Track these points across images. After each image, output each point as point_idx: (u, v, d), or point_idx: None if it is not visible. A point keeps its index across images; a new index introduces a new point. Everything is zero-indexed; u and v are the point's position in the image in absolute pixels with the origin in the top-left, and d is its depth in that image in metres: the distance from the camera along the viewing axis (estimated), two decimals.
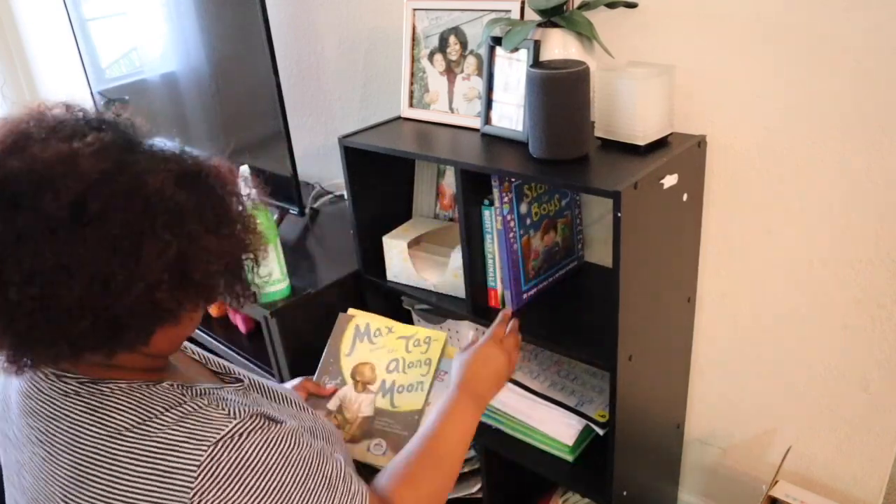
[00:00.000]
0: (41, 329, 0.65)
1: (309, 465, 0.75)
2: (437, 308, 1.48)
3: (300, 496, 0.73)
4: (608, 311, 1.14)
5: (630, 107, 1.16)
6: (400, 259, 1.48)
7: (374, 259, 1.55)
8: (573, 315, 1.34)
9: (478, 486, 1.67)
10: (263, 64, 1.63)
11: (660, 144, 1.20)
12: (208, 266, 0.71)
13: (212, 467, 0.69)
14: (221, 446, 0.69)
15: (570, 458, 1.39)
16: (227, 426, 0.71)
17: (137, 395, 0.72)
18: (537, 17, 1.24)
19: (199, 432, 0.70)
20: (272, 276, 1.47)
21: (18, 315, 0.64)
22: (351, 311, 1.34)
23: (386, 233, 1.52)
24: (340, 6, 1.82)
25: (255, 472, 0.70)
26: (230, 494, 0.69)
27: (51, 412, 0.74)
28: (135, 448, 0.69)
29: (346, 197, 1.54)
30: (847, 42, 1.10)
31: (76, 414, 0.72)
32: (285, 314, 1.48)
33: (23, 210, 0.63)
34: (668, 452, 1.54)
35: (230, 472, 0.69)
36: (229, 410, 0.73)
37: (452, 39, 1.40)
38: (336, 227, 1.85)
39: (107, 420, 0.71)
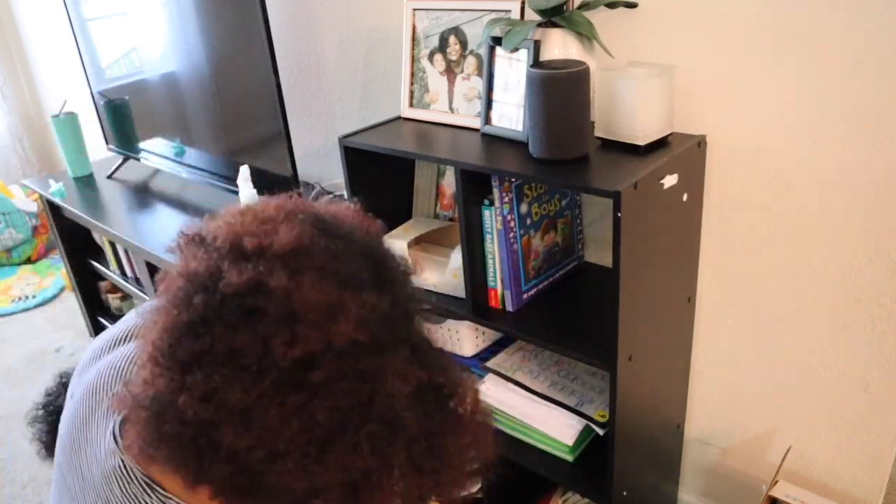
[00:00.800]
0: (185, 446, 0.54)
1: None
2: (437, 308, 1.47)
3: None
4: (608, 311, 1.14)
5: (630, 107, 1.16)
6: None
7: None
8: (573, 315, 1.34)
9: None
10: (263, 64, 1.63)
11: (660, 144, 1.21)
12: (386, 498, 0.58)
13: None
14: None
15: (570, 458, 1.39)
16: None
17: None
18: (537, 17, 1.24)
19: None
20: None
21: (174, 418, 0.54)
22: None
23: (386, 233, 1.52)
24: (340, 6, 1.82)
25: None
26: None
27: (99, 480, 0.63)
28: None
29: (346, 197, 1.54)
30: (847, 42, 1.10)
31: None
32: None
33: (253, 338, 0.52)
34: (668, 452, 1.54)
35: None
36: None
37: (452, 39, 1.40)
38: None
39: None
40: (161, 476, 0.61)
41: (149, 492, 0.60)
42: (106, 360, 0.74)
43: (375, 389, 0.54)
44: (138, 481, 0.61)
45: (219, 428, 0.52)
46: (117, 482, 0.62)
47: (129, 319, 0.80)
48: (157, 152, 2.35)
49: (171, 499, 0.60)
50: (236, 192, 1.56)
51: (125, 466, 0.61)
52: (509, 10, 1.30)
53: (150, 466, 0.60)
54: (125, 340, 0.76)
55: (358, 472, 0.55)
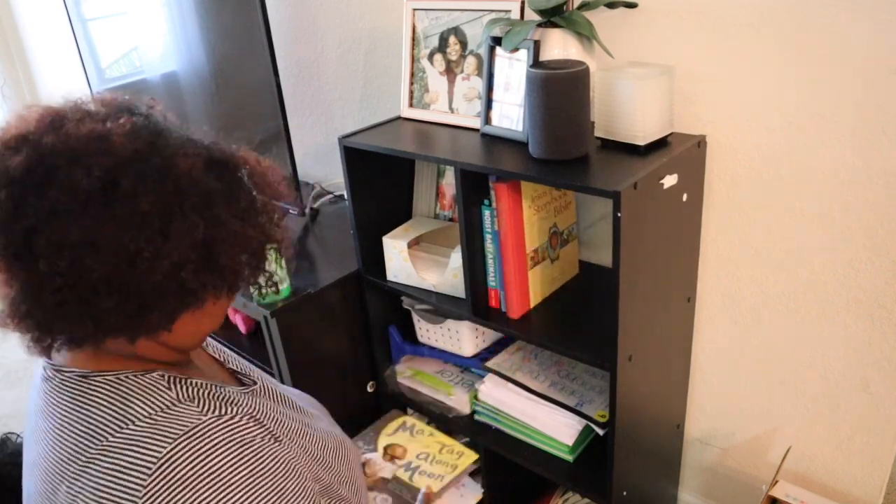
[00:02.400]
0: (68, 305, 0.65)
1: (275, 488, 0.69)
2: (437, 308, 1.48)
3: None
4: (608, 311, 1.14)
5: (630, 107, 1.16)
6: (400, 259, 1.48)
7: (374, 259, 1.55)
8: (573, 315, 1.34)
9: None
10: (263, 64, 1.63)
11: (660, 144, 1.21)
12: (233, 250, 0.71)
13: (167, 466, 0.64)
14: (182, 443, 0.65)
15: (570, 458, 1.39)
16: (194, 421, 0.67)
17: (121, 388, 0.70)
18: (537, 17, 1.24)
19: (164, 427, 0.66)
20: (272, 276, 1.46)
21: (47, 288, 0.64)
22: (400, 413, 1.40)
23: (386, 233, 1.52)
24: (340, 6, 1.82)
25: (210, 476, 0.65)
26: (179, 498, 0.64)
27: (46, 408, 0.73)
28: (106, 447, 0.67)
29: (346, 197, 1.54)
30: (847, 42, 1.10)
31: (64, 409, 0.71)
32: (285, 314, 1.48)
33: (56, 184, 0.63)
34: (668, 452, 1.54)
35: (185, 472, 0.64)
36: (207, 406, 0.70)
37: (452, 39, 1.40)
38: (336, 227, 1.85)
39: (87, 416, 0.69)
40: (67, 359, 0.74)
41: (57, 375, 0.74)
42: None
43: (175, 175, 0.67)
44: (50, 373, 0.75)
45: (82, 273, 0.63)
46: (43, 389, 0.76)
47: None
48: None
49: (71, 371, 0.73)
50: None
51: (45, 370, 0.76)
52: (509, 10, 1.30)
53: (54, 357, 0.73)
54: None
55: (201, 237, 0.68)
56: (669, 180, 1.16)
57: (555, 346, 1.27)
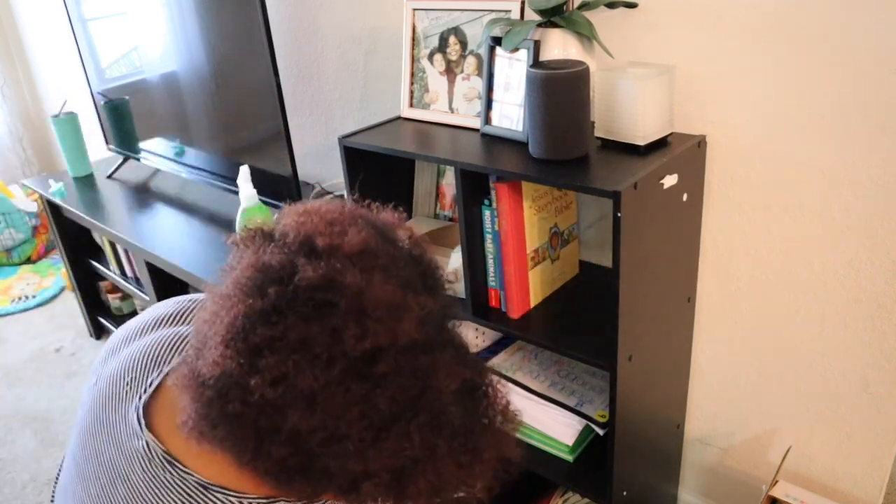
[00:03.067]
0: (244, 422, 0.57)
1: None
2: None
3: None
4: (608, 311, 1.14)
5: (630, 107, 1.16)
6: None
7: None
8: (573, 315, 1.34)
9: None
10: (263, 64, 1.63)
11: (660, 144, 1.21)
12: (428, 491, 0.62)
13: None
14: None
15: (570, 458, 1.39)
16: None
17: None
18: (537, 17, 1.24)
19: None
20: None
21: (235, 403, 0.57)
22: None
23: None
24: (340, 6, 1.82)
25: None
26: None
27: (138, 483, 0.65)
28: None
29: (345, 197, 1.54)
30: (847, 41, 1.10)
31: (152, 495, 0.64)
32: None
33: (324, 326, 0.56)
34: (668, 452, 1.54)
35: None
36: None
37: (452, 39, 1.40)
38: None
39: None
40: (194, 455, 0.64)
41: (169, 468, 0.63)
42: (134, 347, 0.75)
43: (428, 385, 0.58)
44: (159, 458, 0.64)
45: (284, 411, 0.56)
46: (139, 462, 0.65)
47: (161, 309, 0.80)
48: (157, 152, 2.35)
49: (190, 475, 0.63)
50: (236, 192, 1.57)
51: (148, 447, 0.64)
52: (509, 10, 1.30)
53: (198, 445, 0.61)
54: (156, 327, 0.78)
55: (406, 460, 0.59)
56: (669, 180, 1.16)
57: (555, 346, 1.27)
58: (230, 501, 0.63)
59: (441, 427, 0.60)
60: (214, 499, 0.63)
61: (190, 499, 0.63)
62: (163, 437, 0.65)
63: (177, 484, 0.63)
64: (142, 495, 0.64)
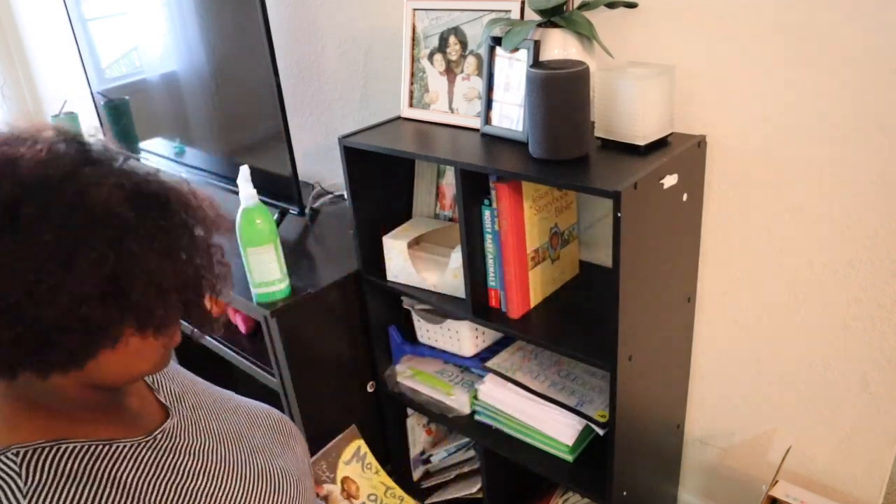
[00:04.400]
0: None
1: None
2: (437, 308, 1.48)
3: None
4: (608, 311, 1.14)
5: (630, 107, 1.16)
6: (400, 259, 1.48)
7: (374, 259, 1.55)
8: (573, 315, 1.34)
9: (478, 486, 1.67)
10: (263, 64, 1.63)
11: (660, 144, 1.21)
12: (148, 287, 0.66)
13: None
14: None
15: (570, 458, 1.39)
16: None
17: None
18: (537, 17, 1.24)
19: None
20: (272, 276, 1.47)
21: None
22: (356, 435, 1.36)
23: (386, 233, 1.52)
24: (340, 6, 1.82)
25: None
26: None
27: None
28: None
29: (346, 197, 1.54)
30: (847, 42, 1.10)
31: None
32: (285, 314, 1.48)
33: None
34: (668, 452, 1.54)
35: None
36: (33, 482, 0.66)
37: (452, 39, 1.40)
38: (336, 227, 1.85)
39: None
40: None
41: None
42: None
43: (88, 205, 0.63)
44: None
45: None
46: None
47: None
48: (157, 152, 2.35)
49: None
50: (236, 192, 1.56)
51: None
52: (509, 10, 1.30)
53: None
54: None
55: (109, 271, 0.64)
56: (669, 180, 1.16)
57: (555, 346, 1.27)
58: None
59: (125, 231, 0.65)
60: None
61: None
62: None
63: None
64: None
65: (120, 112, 2.46)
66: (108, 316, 0.65)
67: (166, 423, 0.81)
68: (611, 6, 1.24)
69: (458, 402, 1.55)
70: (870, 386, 1.29)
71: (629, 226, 1.08)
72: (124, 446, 0.75)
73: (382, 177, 1.55)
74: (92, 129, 0.68)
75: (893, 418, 1.29)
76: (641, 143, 1.17)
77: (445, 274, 1.43)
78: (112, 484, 0.71)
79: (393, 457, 1.82)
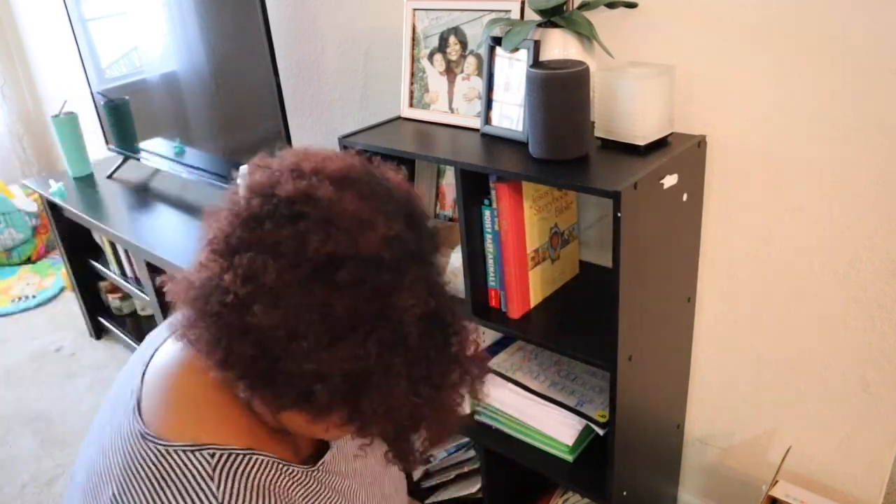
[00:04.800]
0: (220, 325, 0.63)
1: None
2: None
3: None
4: (608, 311, 1.14)
5: (630, 107, 1.16)
6: None
7: None
8: (573, 315, 1.34)
9: (478, 486, 1.67)
10: (263, 64, 1.63)
11: (660, 144, 1.21)
12: (380, 405, 0.64)
13: None
14: None
15: (570, 458, 1.39)
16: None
17: (168, 463, 0.67)
18: (537, 17, 1.24)
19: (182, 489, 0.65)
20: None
21: (213, 302, 0.62)
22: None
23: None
24: (340, 6, 1.82)
25: None
26: None
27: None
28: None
29: None
30: (847, 42, 1.10)
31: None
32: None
33: (294, 234, 0.61)
34: (668, 452, 1.54)
35: None
36: (225, 489, 0.67)
37: (452, 39, 1.40)
38: None
39: (126, 472, 0.68)
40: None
41: (144, 442, 0.68)
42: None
43: (390, 303, 0.62)
44: (138, 434, 0.69)
45: (251, 307, 0.61)
46: (129, 440, 0.70)
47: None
48: (157, 152, 2.35)
49: (165, 444, 0.67)
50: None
51: (132, 426, 0.70)
52: (509, 10, 1.30)
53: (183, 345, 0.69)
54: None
55: (360, 369, 0.62)
56: (669, 180, 1.16)
57: (555, 346, 1.27)
58: (158, 448, 0.67)
59: (398, 346, 0.63)
60: (147, 447, 0.67)
61: (127, 444, 0.69)
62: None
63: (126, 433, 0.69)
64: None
65: (120, 112, 2.46)
66: (330, 403, 0.64)
67: (326, 455, 0.80)
68: (611, 6, 1.24)
69: None
70: (870, 386, 1.29)
71: (629, 226, 1.08)
72: (298, 471, 0.74)
73: None
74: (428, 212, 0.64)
75: (893, 418, 1.29)
76: (641, 143, 1.17)
77: (445, 274, 1.43)
78: (286, 502, 0.71)
79: None
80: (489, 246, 1.32)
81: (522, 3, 1.27)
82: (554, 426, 1.39)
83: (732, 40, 1.20)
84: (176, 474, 0.66)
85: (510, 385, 1.45)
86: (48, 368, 2.59)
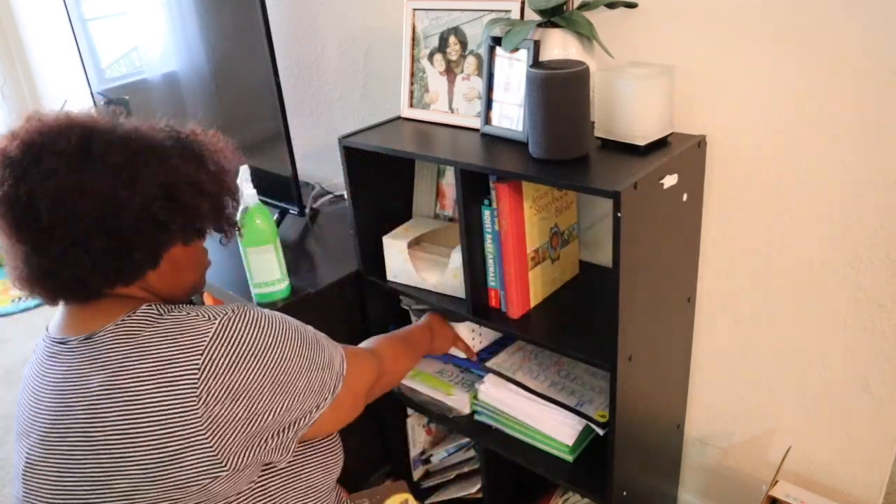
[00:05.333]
0: (69, 251, 0.82)
1: (295, 334, 0.93)
2: (438, 308, 1.48)
3: (296, 362, 0.91)
4: (608, 311, 1.14)
5: (630, 107, 1.16)
6: (400, 259, 1.48)
7: (374, 259, 1.55)
8: (573, 315, 1.34)
9: (478, 486, 1.67)
10: (263, 64, 1.63)
11: (660, 144, 1.21)
12: (192, 192, 0.89)
13: (210, 366, 0.82)
14: (212, 347, 0.84)
15: (570, 458, 1.39)
16: (210, 328, 0.85)
17: (122, 329, 0.86)
18: (537, 17, 1.24)
19: (187, 342, 0.83)
20: (272, 276, 1.46)
21: (53, 239, 0.81)
22: (405, 489, 1.38)
23: (386, 233, 1.52)
24: (340, 6, 1.82)
25: (249, 354, 0.86)
26: (233, 381, 0.83)
27: (58, 375, 0.87)
28: (136, 374, 0.82)
29: (346, 197, 1.54)
30: (847, 41, 1.10)
31: (78, 368, 0.85)
32: (285, 314, 1.48)
33: (45, 155, 0.82)
34: (668, 452, 1.54)
35: (228, 364, 0.84)
36: (207, 315, 0.87)
37: (452, 39, 1.40)
38: (336, 227, 1.85)
39: (104, 362, 0.84)
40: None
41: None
42: None
43: (139, 140, 0.88)
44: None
45: (77, 218, 0.81)
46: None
47: None
48: None
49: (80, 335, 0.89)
50: None
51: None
52: (509, 10, 1.30)
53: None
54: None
55: (163, 180, 0.87)
56: (669, 180, 1.16)
57: (555, 346, 1.27)
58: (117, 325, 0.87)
59: (169, 155, 0.89)
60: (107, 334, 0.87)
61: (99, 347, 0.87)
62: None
63: (78, 350, 0.88)
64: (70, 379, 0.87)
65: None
66: (169, 214, 0.87)
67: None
68: (611, 6, 1.24)
69: (458, 401, 1.54)
70: (870, 386, 1.29)
71: (629, 226, 1.08)
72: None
73: (382, 177, 1.55)
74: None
75: (893, 418, 1.28)
76: (641, 143, 1.17)
77: (445, 274, 1.43)
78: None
79: (393, 457, 1.82)
80: (489, 246, 1.32)
81: (522, 3, 1.27)
82: (554, 426, 1.39)
83: (732, 40, 1.20)
84: (145, 320, 0.87)
85: (510, 385, 1.45)
86: None
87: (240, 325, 0.87)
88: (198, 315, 0.87)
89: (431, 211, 1.62)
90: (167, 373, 0.82)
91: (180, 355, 0.82)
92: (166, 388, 0.81)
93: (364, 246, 1.55)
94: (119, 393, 0.82)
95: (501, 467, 1.59)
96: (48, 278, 0.84)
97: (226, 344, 0.85)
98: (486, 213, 1.29)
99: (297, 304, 1.50)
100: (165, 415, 0.80)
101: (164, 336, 0.84)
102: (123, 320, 0.86)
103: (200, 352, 0.83)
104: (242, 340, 0.86)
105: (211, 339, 0.84)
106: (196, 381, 0.81)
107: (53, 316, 0.94)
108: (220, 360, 0.83)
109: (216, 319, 0.86)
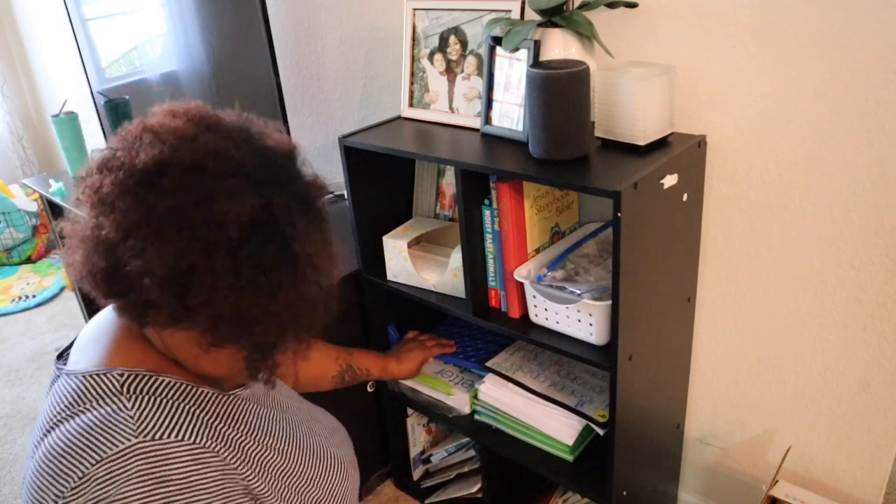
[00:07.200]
0: (83, 248, 0.71)
1: None
2: (438, 308, 1.48)
3: None
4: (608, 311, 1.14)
5: (630, 107, 1.16)
6: (400, 259, 1.48)
7: (374, 259, 1.55)
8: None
9: (478, 486, 1.67)
10: (263, 64, 1.63)
11: (660, 144, 1.21)
12: (208, 299, 0.67)
13: (82, 488, 0.67)
14: (104, 466, 0.67)
15: (570, 458, 1.39)
16: (122, 442, 0.68)
17: (82, 384, 0.74)
18: (537, 17, 1.24)
19: (96, 442, 0.69)
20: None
21: (83, 238, 0.71)
22: None
23: (386, 233, 1.52)
24: (340, 6, 1.82)
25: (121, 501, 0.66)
26: None
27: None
28: (52, 441, 0.71)
29: (346, 197, 1.54)
30: (847, 42, 1.10)
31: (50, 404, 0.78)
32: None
33: (125, 148, 0.70)
34: (668, 452, 1.54)
35: (99, 494, 0.66)
36: (147, 423, 0.70)
37: (452, 39, 1.40)
38: (336, 227, 1.85)
39: (51, 410, 0.75)
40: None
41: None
42: None
43: (210, 207, 0.66)
44: (57, 375, 0.79)
45: (99, 221, 0.69)
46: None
47: None
48: None
49: (76, 372, 0.76)
50: None
51: (53, 374, 0.81)
52: (509, 10, 1.30)
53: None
54: None
55: (186, 265, 0.66)
56: (669, 180, 1.16)
57: (555, 346, 1.27)
58: (71, 378, 0.75)
59: (218, 243, 0.66)
60: (65, 380, 0.76)
61: (53, 391, 0.77)
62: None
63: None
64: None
65: (120, 112, 2.45)
66: (161, 295, 0.67)
67: (244, 391, 0.85)
68: (611, 6, 1.24)
69: (458, 401, 1.55)
70: (870, 386, 1.29)
71: (629, 226, 1.08)
72: (209, 393, 0.80)
73: (382, 177, 1.55)
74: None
75: (893, 418, 1.28)
76: (641, 143, 1.17)
77: (445, 274, 1.43)
78: (197, 421, 0.76)
79: (393, 457, 1.82)
80: (489, 246, 1.32)
81: (523, 2, 1.27)
82: (554, 426, 1.39)
83: (733, 40, 1.20)
84: (90, 394, 0.73)
85: (510, 385, 1.45)
86: (48, 368, 2.59)
87: (150, 466, 0.68)
88: (141, 415, 0.71)
89: (431, 211, 1.62)
90: (58, 463, 0.70)
91: (78, 452, 0.69)
92: (47, 478, 0.70)
93: (364, 246, 1.55)
94: (36, 449, 0.73)
95: (501, 467, 1.60)
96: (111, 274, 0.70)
97: (114, 477, 0.67)
98: (487, 213, 1.29)
99: None
100: None
101: (89, 419, 0.70)
102: (93, 377, 0.74)
103: (90, 463, 0.68)
104: (134, 486, 0.67)
105: (109, 457, 0.68)
106: (63, 491, 0.67)
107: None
108: (93, 489, 0.67)
109: (140, 435, 0.69)
